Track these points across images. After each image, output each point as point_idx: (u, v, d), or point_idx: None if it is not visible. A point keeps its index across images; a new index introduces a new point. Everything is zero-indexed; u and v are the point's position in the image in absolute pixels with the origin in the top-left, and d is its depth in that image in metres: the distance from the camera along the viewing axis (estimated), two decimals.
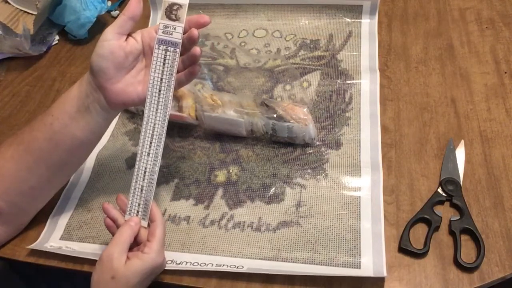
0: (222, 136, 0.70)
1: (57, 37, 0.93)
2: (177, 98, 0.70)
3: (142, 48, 0.53)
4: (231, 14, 0.88)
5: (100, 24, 0.93)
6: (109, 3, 0.98)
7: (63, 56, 0.90)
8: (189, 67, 0.54)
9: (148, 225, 0.54)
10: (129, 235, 0.51)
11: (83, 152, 0.59)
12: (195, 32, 0.51)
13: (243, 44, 0.84)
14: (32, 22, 0.86)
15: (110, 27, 0.51)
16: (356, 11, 0.83)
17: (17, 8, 0.93)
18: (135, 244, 0.53)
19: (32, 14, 0.92)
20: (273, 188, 0.64)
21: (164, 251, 0.58)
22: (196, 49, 0.52)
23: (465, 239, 0.56)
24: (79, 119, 0.54)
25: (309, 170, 0.65)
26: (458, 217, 0.57)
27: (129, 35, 0.53)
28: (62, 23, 0.90)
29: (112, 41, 0.51)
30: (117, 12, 0.97)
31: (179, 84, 0.54)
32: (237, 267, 0.55)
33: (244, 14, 0.88)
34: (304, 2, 0.84)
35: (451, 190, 0.59)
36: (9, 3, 0.94)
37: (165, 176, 0.67)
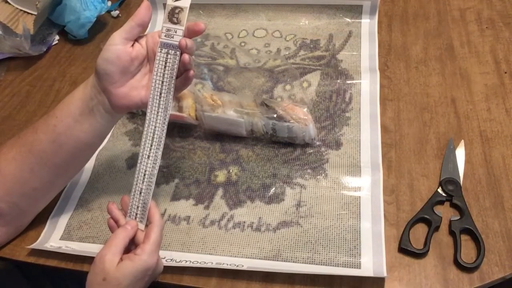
0: (222, 136, 0.70)
1: (57, 37, 0.93)
2: (177, 98, 0.70)
3: (147, 53, 0.53)
4: (231, 14, 0.89)
5: (100, 24, 0.94)
6: (109, 3, 0.98)
7: (63, 56, 0.90)
8: (184, 73, 0.54)
9: (147, 226, 0.54)
10: (123, 237, 0.51)
11: (86, 154, 0.59)
12: (182, 41, 0.51)
13: (243, 44, 0.84)
14: (32, 22, 0.86)
15: (117, 32, 0.51)
16: (356, 11, 0.83)
17: (17, 8, 0.93)
18: (134, 247, 0.53)
19: (32, 14, 0.92)
20: (273, 188, 0.64)
21: (164, 251, 0.59)
22: (184, 56, 0.51)
23: (465, 239, 0.56)
24: (83, 121, 0.54)
25: (309, 170, 0.65)
26: (458, 217, 0.57)
27: (135, 40, 0.53)
28: (62, 23, 0.90)
29: (118, 46, 0.51)
30: (117, 12, 0.97)
31: (176, 89, 0.54)
32: (237, 266, 0.56)
33: (244, 14, 0.88)
34: (304, 2, 0.85)
35: (451, 190, 0.59)
36: (9, 3, 0.94)
37: (165, 176, 0.67)
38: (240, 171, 0.66)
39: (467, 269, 0.53)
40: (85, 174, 0.69)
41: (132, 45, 0.52)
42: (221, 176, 0.66)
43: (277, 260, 0.57)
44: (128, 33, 0.52)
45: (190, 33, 0.52)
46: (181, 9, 0.51)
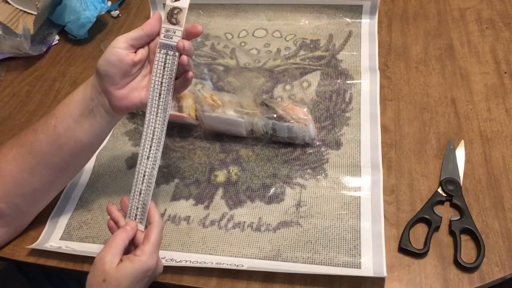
0: (222, 136, 0.70)
1: (57, 37, 0.93)
2: (177, 98, 0.70)
3: (148, 54, 0.53)
4: (231, 14, 0.88)
5: (100, 24, 0.94)
6: (109, 3, 0.98)
7: (63, 56, 0.90)
8: (183, 74, 0.54)
9: (146, 227, 0.54)
10: (123, 238, 0.51)
11: (85, 155, 0.59)
12: (179, 42, 0.51)
13: (243, 44, 0.84)
14: (32, 22, 0.86)
15: (124, 36, 0.51)
16: (356, 11, 0.83)
17: (17, 8, 0.93)
18: (134, 247, 0.53)
19: (32, 14, 0.92)
20: (273, 188, 0.64)
21: (164, 251, 0.59)
22: (183, 58, 0.51)
23: (465, 239, 0.56)
24: (83, 122, 0.54)
25: (309, 170, 0.65)
26: (458, 217, 0.57)
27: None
28: (62, 23, 0.90)
29: (122, 50, 0.51)
30: (117, 12, 0.97)
31: (176, 90, 0.54)
32: (237, 266, 0.56)
33: (244, 14, 0.88)
34: (304, 2, 0.85)
35: (451, 190, 0.59)
36: (9, 3, 0.94)
37: (165, 176, 0.67)
38: (240, 171, 0.66)
39: (467, 269, 0.53)
40: (85, 174, 0.69)
41: (136, 51, 0.52)
42: (221, 176, 0.66)
43: (277, 260, 0.57)
44: (135, 40, 0.51)
45: (188, 35, 0.52)
46: (180, 9, 0.51)
